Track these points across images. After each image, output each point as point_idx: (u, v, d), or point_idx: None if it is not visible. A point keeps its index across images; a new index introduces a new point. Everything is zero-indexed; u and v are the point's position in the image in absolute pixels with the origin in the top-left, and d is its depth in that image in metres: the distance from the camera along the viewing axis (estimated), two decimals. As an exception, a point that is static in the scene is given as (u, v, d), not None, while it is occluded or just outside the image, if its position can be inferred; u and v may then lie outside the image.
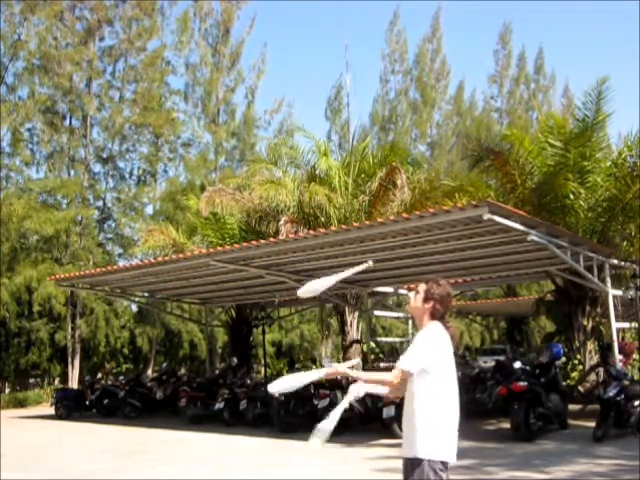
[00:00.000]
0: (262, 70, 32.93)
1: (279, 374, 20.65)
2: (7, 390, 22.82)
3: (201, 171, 28.69)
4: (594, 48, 63.86)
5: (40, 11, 24.26)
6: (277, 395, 3.55)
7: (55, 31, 25.28)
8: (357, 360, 3.74)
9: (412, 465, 3.42)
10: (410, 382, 3.48)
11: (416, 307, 3.66)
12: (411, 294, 3.74)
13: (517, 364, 11.35)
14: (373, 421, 11.62)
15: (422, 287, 3.68)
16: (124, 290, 18.44)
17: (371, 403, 11.68)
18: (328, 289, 3.75)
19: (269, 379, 16.95)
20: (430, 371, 3.42)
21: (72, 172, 25.96)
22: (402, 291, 18.42)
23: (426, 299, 3.62)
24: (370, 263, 3.93)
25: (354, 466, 8.83)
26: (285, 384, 3.63)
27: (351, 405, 11.77)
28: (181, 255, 14.62)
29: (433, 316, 3.59)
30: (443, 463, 3.41)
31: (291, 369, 15.11)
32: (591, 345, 14.05)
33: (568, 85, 40.54)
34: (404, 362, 3.44)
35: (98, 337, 22.90)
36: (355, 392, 3.59)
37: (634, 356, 14.21)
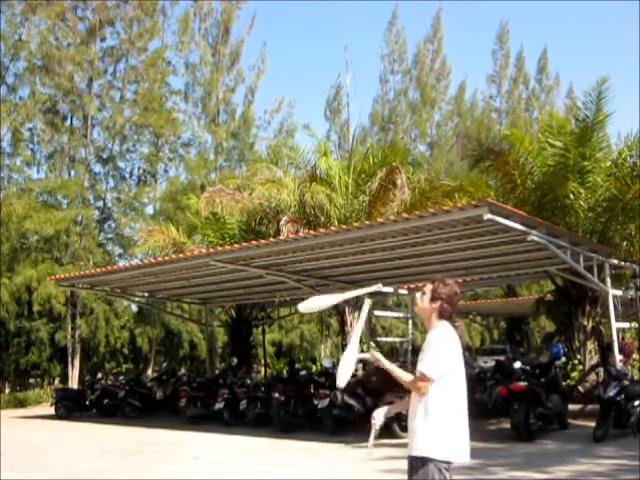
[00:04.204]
0: (262, 70, 32.91)
1: (279, 374, 20.66)
2: (7, 390, 22.80)
3: (201, 171, 28.66)
4: (595, 48, 63.91)
5: (41, 11, 24.25)
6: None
7: (57, 31, 25.30)
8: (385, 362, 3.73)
9: (417, 464, 3.43)
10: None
11: (423, 308, 3.62)
12: (418, 295, 3.69)
13: (517, 364, 11.35)
14: (373, 421, 11.60)
15: (428, 287, 3.63)
16: (124, 290, 18.44)
17: (371, 403, 11.69)
18: (329, 307, 3.72)
19: (269, 379, 16.97)
20: (444, 375, 3.43)
21: (72, 172, 25.95)
22: (402, 291, 18.41)
23: (433, 299, 3.58)
24: (380, 285, 3.84)
25: (354, 466, 8.83)
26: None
27: (351, 405, 11.83)
28: (181, 255, 14.62)
29: (441, 316, 3.56)
30: (447, 463, 3.43)
31: (291, 369, 15.08)
32: (591, 345, 14.05)
33: (572, 86, 40.46)
34: (427, 370, 3.41)
35: (98, 337, 22.88)
36: (377, 419, 3.65)
37: (634, 356, 14.20)
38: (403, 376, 3.56)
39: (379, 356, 3.68)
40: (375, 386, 11.77)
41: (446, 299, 3.57)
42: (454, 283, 3.66)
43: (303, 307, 3.71)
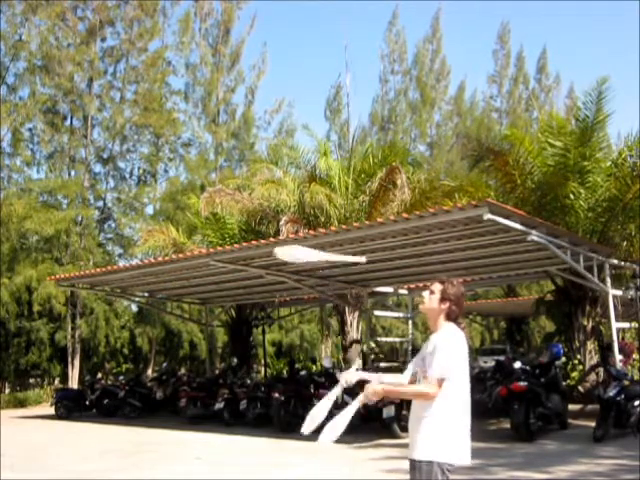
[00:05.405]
0: (262, 70, 32.93)
1: (279, 374, 20.64)
2: (7, 390, 22.80)
3: (201, 171, 28.68)
4: (595, 48, 63.89)
5: (41, 11, 24.24)
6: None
7: (57, 31, 25.29)
8: (391, 377, 3.67)
9: (421, 466, 3.42)
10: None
11: (431, 308, 3.57)
12: (425, 293, 3.65)
13: (517, 364, 11.35)
14: (373, 421, 11.61)
15: (437, 287, 3.58)
16: (124, 290, 18.43)
17: (371, 403, 11.65)
18: (307, 262, 3.51)
19: (269, 379, 16.96)
20: (450, 377, 3.42)
21: (72, 172, 25.96)
22: (402, 291, 18.42)
23: (442, 300, 3.54)
24: (363, 259, 3.76)
25: (354, 466, 8.83)
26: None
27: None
28: (181, 255, 14.61)
29: (449, 317, 3.54)
30: (450, 465, 3.42)
31: (291, 369, 15.07)
32: (591, 345, 14.06)
33: (572, 86, 40.43)
34: (438, 371, 3.38)
35: (98, 337, 22.87)
36: (344, 380, 3.60)
37: (634, 356, 14.21)
38: (410, 390, 3.55)
39: (378, 387, 3.58)
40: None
41: (454, 300, 3.53)
42: (461, 284, 3.64)
43: (280, 252, 3.48)
